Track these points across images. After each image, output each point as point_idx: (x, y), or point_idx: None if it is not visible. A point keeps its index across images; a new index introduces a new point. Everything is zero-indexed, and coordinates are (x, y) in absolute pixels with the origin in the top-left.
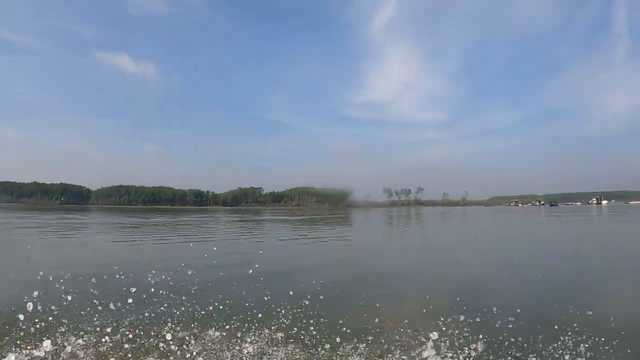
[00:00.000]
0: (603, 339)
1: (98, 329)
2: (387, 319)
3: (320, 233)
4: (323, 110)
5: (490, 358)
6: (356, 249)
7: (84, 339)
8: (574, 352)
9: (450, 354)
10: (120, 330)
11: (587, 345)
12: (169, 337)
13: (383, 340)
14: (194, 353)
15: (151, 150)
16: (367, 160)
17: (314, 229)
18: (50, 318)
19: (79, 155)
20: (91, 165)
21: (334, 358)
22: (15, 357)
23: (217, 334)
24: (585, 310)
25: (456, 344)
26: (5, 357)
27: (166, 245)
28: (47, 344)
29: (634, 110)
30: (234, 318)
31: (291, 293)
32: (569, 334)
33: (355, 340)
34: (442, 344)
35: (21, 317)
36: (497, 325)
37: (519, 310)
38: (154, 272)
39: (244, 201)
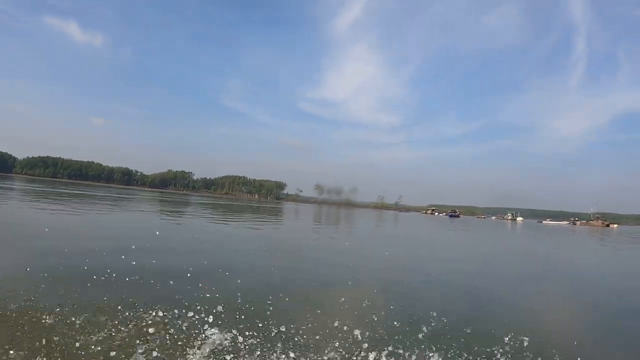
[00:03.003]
0: None
1: None
2: None
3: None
4: (277, 102)
5: None
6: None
7: None
8: None
9: None
10: None
11: None
12: None
13: None
14: None
15: (97, 124)
16: (313, 156)
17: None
18: None
19: (18, 121)
20: (28, 133)
21: None
22: None
23: None
24: None
25: None
26: None
27: None
28: None
29: (583, 135)
30: None
31: None
32: None
33: None
34: None
35: None
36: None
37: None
38: None
39: (173, 184)
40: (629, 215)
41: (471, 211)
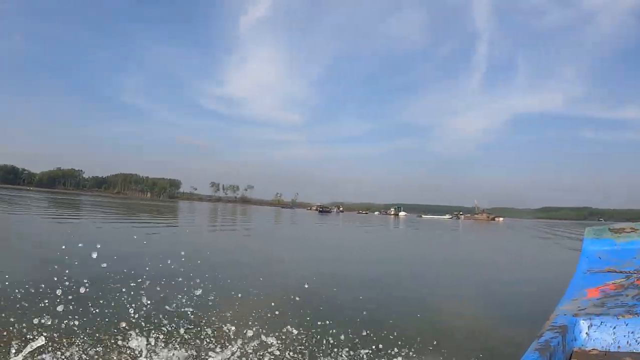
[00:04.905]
0: None
1: None
2: None
3: None
4: (177, 99)
5: None
6: None
7: None
8: None
9: None
10: None
11: None
12: None
13: None
14: None
15: None
16: (212, 155)
17: None
18: None
19: None
20: None
21: None
22: None
23: None
24: None
25: None
26: None
27: None
28: None
29: (481, 135)
30: None
31: None
32: None
33: None
34: None
35: None
36: None
37: None
38: None
39: (62, 183)
40: (525, 210)
41: (367, 207)
